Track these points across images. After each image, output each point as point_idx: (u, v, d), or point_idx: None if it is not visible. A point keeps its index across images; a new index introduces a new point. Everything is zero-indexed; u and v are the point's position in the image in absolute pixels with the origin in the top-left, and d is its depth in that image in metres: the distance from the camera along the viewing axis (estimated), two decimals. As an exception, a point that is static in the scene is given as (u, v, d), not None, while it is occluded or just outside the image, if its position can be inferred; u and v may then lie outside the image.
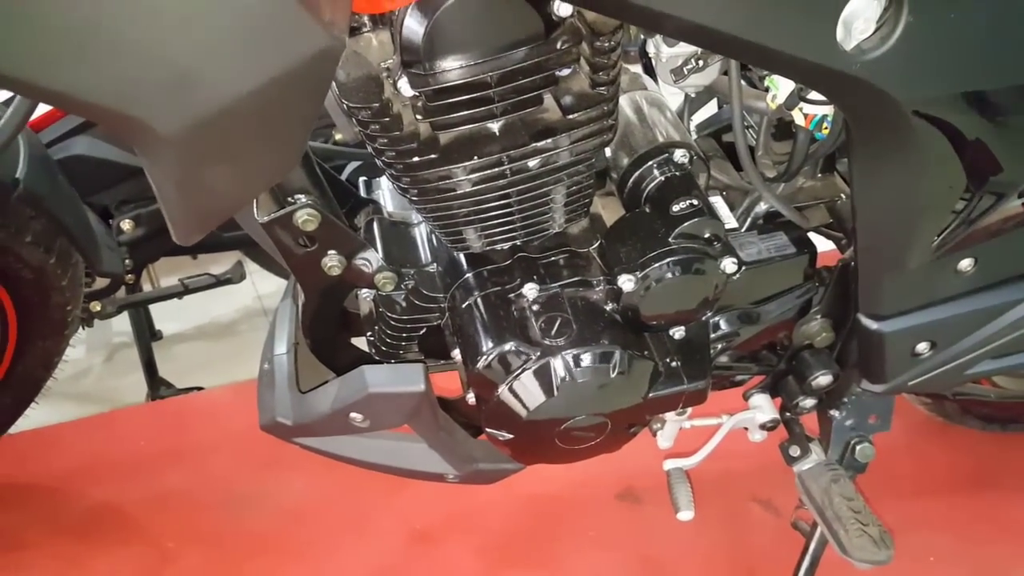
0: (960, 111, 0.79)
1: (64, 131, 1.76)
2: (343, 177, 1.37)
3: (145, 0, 0.51)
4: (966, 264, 0.96)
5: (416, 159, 0.82)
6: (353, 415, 1.01)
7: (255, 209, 0.92)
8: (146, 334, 2.17)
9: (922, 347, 1.03)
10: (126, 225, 1.82)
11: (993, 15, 0.73)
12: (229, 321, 2.45)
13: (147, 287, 2.22)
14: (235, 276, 2.03)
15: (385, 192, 1.13)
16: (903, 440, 1.65)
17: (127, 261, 1.84)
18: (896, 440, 1.63)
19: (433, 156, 0.82)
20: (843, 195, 1.04)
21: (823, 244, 1.09)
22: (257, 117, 0.58)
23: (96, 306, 1.88)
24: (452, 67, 0.75)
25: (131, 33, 0.51)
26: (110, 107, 0.53)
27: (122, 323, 2.26)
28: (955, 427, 1.62)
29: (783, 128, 1.04)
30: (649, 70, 1.09)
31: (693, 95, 1.04)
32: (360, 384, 0.99)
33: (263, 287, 2.46)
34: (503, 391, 0.93)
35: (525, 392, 0.93)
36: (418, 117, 0.80)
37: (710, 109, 1.21)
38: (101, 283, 1.85)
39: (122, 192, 1.84)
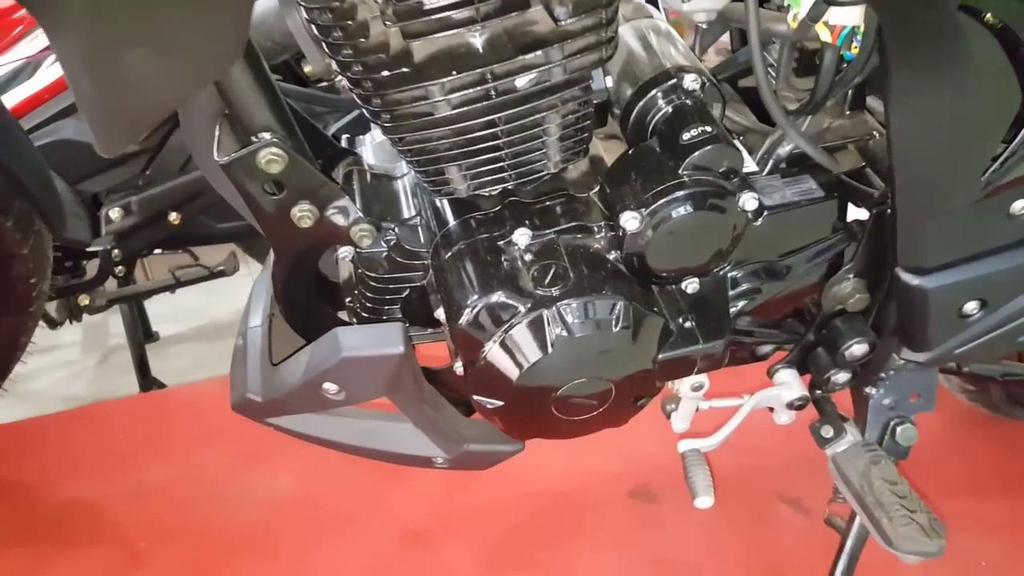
0: (1017, 6, 0.68)
1: (49, 115, 1.69)
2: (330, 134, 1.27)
3: None
4: (1020, 206, 0.85)
5: (386, 74, 0.72)
6: (327, 385, 0.91)
7: (214, 150, 0.82)
8: (139, 331, 2.10)
9: (971, 307, 0.92)
10: (115, 214, 1.75)
11: None
12: (227, 321, 2.37)
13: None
14: (228, 268, 1.94)
15: (368, 148, 1.04)
16: (946, 434, 1.54)
17: (115, 252, 1.76)
18: (938, 434, 1.52)
19: (405, 70, 0.72)
20: (876, 133, 0.92)
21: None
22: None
23: (84, 299, 1.80)
24: (422, -42, 0.65)
25: None
26: None
27: (119, 324, 2.20)
28: (1002, 420, 1.49)
29: (805, 62, 0.93)
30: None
31: (704, 25, 0.93)
32: (333, 348, 0.89)
33: (264, 283, 2.38)
34: (491, 349, 0.82)
35: (516, 349, 0.82)
36: (388, 24, 0.71)
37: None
38: (89, 274, 1.78)
39: (111, 178, 1.77)
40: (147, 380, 2.00)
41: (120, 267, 1.80)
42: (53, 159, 1.56)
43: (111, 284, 1.85)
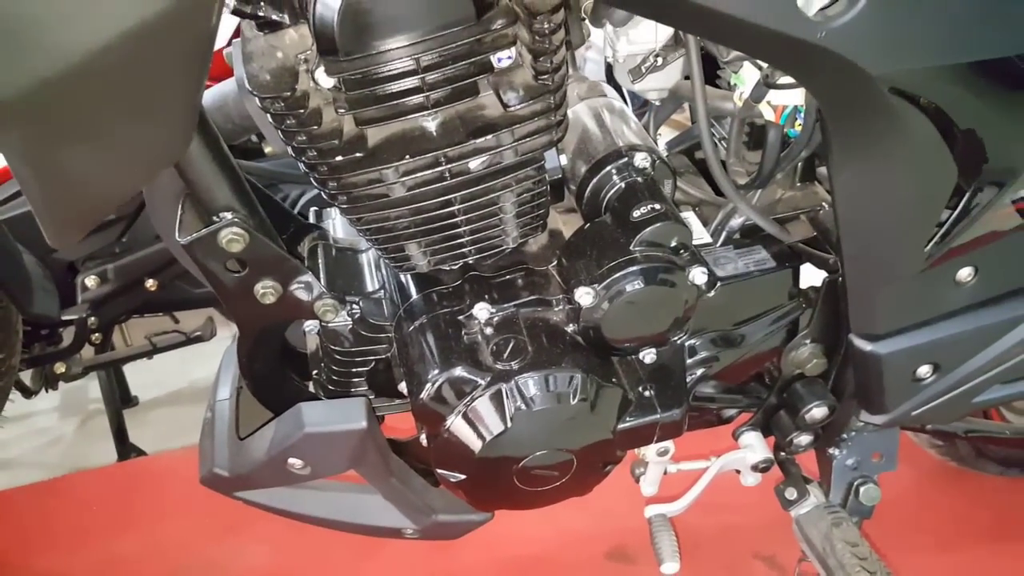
0: (945, 88, 0.71)
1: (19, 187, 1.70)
2: (297, 209, 1.29)
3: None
4: (965, 274, 0.87)
5: (340, 159, 0.74)
6: (292, 461, 0.92)
7: (176, 230, 0.84)
8: (116, 398, 2.07)
9: (924, 370, 0.93)
10: (91, 282, 1.75)
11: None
12: (207, 385, 2.34)
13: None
14: (205, 334, 1.94)
15: (336, 221, 1.06)
16: (916, 489, 1.54)
17: (91, 319, 1.76)
18: (909, 489, 1.53)
19: (359, 155, 0.74)
20: (825, 204, 0.95)
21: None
22: (119, 80, 0.49)
23: (60, 367, 1.79)
24: (372, 51, 0.68)
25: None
26: None
27: (98, 389, 2.18)
28: (971, 473, 1.50)
29: (757, 137, 0.96)
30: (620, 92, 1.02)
31: (657, 102, 0.96)
32: (296, 424, 0.89)
33: (245, 348, 2.37)
34: (452, 423, 0.83)
35: (476, 423, 0.83)
36: (340, 111, 0.73)
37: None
38: (66, 342, 1.78)
39: (87, 246, 1.77)
40: (125, 447, 1.97)
41: (96, 334, 1.80)
42: (24, 230, 1.55)
43: (88, 351, 1.85)
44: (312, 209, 1.11)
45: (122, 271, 1.75)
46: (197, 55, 0.52)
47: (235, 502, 1.02)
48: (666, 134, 1.08)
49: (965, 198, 0.81)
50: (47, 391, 1.84)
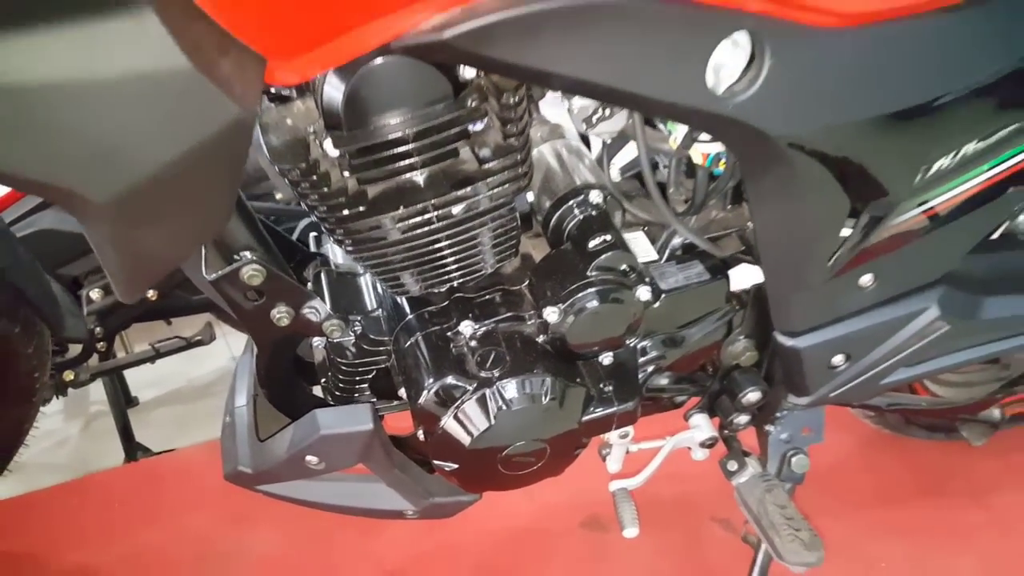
0: (831, 141, 0.87)
1: (29, 207, 1.81)
2: (296, 235, 1.45)
3: (68, 86, 0.58)
4: (866, 280, 1.04)
5: (346, 212, 0.89)
6: (308, 458, 1.07)
7: (203, 268, 0.99)
8: (121, 401, 2.20)
9: (838, 360, 1.11)
10: (95, 294, 1.88)
11: (848, 56, 0.82)
12: (205, 383, 2.49)
13: (121, 355, 2.26)
14: (205, 338, 2.07)
15: (334, 246, 1.21)
16: (855, 453, 1.72)
17: (97, 330, 1.89)
18: (849, 454, 1.72)
19: (362, 208, 0.89)
20: (751, 223, 1.12)
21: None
22: (181, 184, 0.65)
23: (69, 375, 1.91)
24: (370, 128, 0.83)
25: (57, 114, 0.59)
26: (45, 181, 0.60)
27: (99, 392, 2.30)
28: (903, 438, 1.70)
29: (692, 168, 1.12)
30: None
31: (608, 141, 1.12)
32: (312, 427, 1.05)
33: (237, 348, 2.50)
34: (446, 422, 0.99)
35: (465, 422, 0.99)
36: (345, 173, 0.88)
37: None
38: (73, 352, 1.91)
39: (91, 262, 1.89)
40: (132, 446, 2.09)
41: (102, 343, 1.93)
42: (34, 248, 1.67)
43: (92, 358, 1.98)
44: (312, 235, 1.27)
45: (125, 284, 1.88)
46: (238, 158, 0.68)
47: (247, 495, 1.16)
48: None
49: (859, 222, 0.98)
50: (57, 397, 1.97)
